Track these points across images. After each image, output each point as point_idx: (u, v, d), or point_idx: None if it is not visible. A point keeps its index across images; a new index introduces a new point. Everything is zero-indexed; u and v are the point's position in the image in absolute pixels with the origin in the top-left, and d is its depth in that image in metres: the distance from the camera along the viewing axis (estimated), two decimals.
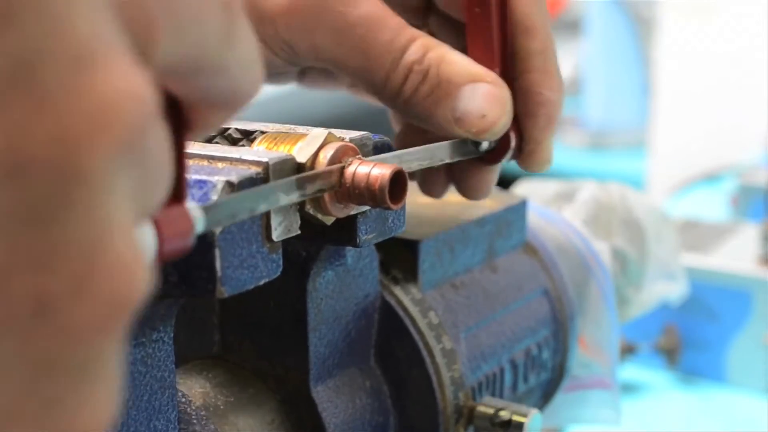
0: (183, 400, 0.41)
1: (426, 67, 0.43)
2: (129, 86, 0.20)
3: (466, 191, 0.48)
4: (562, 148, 2.42)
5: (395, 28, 0.43)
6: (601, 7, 2.33)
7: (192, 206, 0.27)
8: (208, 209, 0.28)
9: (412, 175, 0.48)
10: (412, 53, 0.43)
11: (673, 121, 1.96)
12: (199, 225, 0.27)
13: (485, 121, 0.43)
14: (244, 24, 0.25)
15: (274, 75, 0.48)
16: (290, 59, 0.45)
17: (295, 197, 0.35)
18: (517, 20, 0.45)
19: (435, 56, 0.43)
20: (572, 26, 2.76)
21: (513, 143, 0.46)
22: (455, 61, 0.44)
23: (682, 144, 1.91)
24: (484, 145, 0.45)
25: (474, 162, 0.46)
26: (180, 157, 0.26)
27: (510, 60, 0.45)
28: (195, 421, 0.40)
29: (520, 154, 0.47)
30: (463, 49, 0.45)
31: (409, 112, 0.45)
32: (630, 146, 2.33)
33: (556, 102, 0.46)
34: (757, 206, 1.14)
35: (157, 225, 0.25)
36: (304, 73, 0.50)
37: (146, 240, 0.24)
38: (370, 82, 0.44)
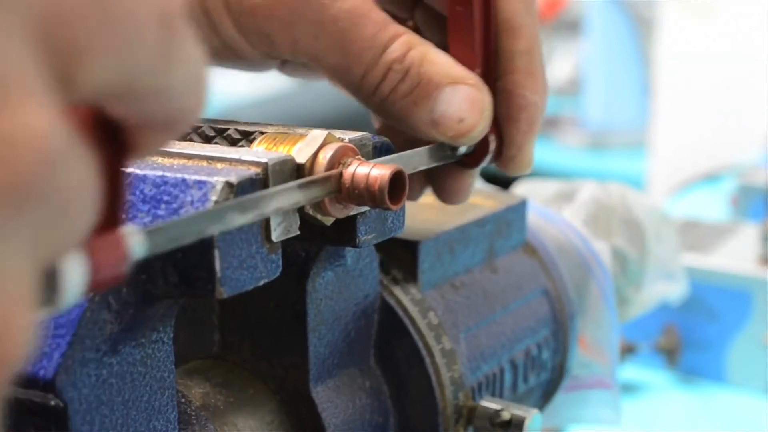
0: (183, 400, 0.41)
1: (407, 66, 0.42)
2: (31, 128, 0.19)
3: (443, 195, 0.47)
4: (562, 148, 2.42)
5: (378, 23, 0.42)
6: (601, 7, 2.33)
7: (132, 231, 0.26)
8: (150, 233, 0.27)
9: None
10: (394, 50, 0.42)
11: (673, 121, 1.96)
12: (138, 250, 0.26)
13: (463, 126, 0.42)
14: (186, 39, 0.24)
15: (252, 64, 0.47)
16: (269, 53, 0.44)
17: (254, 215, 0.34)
18: (503, 19, 0.44)
19: (417, 55, 0.42)
20: (572, 26, 2.75)
21: (492, 147, 0.45)
22: (437, 61, 0.42)
23: (682, 144, 1.91)
24: (462, 149, 0.44)
25: (452, 166, 0.45)
26: (117, 181, 0.25)
27: (493, 60, 0.44)
28: (195, 421, 0.40)
29: (500, 158, 0.45)
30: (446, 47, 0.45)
31: (385, 111, 0.43)
32: (630, 146, 2.33)
33: (539, 105, 0.45)
34: (757, 206, 1.14)
35: (90, 253, 0.24)
36: (284, 63, 0.49)
37: (70, 273, 0.23)
38: (347, 79, 0.43)
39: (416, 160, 0.43)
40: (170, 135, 0.26)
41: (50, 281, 0.23)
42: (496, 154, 0.45)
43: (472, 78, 0.43)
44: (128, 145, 0.25)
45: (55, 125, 0.20)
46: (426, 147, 0.43)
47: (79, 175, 0.21)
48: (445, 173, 0.46)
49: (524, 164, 0.46)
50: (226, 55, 0.45)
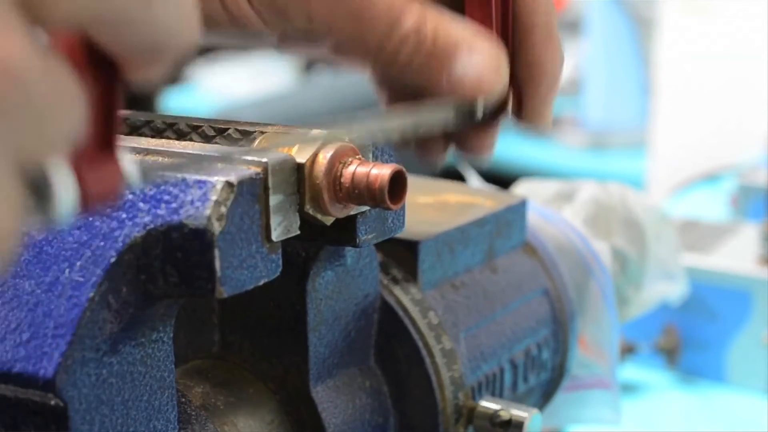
0: (183, 400, 0.41)
1: (423, 37, 0.43)
2: None
3: (467, 153, 0.48)
4: (562, 148, 2.42)
5: None
6: (601, 7, 2.32)
7: (128, 159, 0.27)
8: (145, 161, 0.28)
9: (408, 142, 0.47)
10: (409, 21, 0.43)
11: (673, 121, 1.96)
12: (132, 172, 0.27)
13: (480, 86, 0.43)
14: None
15: (252, 38, 0.47)
16: (283, 27, 0.45)
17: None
18: None
19: (432, 26, 0.43)
20: (572, 26, 2.75)
21: (510, 105, 0.46)
22: (451, 30, 0.43)
23: (682, 144, 1.91)
24: (480, 113, 0.45)
25: (472, 125, 0.46)
26: (111, 104, 0.26)
27: (510, 32, 0.45)
28: (195, 421, 0.40)
29: (519, 118, 0.47)
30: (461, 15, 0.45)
31: (401, 78, 0.44)
32: (630, 146, 2.33)
33: (557, 73, 0.46)
34: (757, 206, 1.14)
35: (82, 167, 0.25)
36: (284, 37, 0.49)
37: (60, 182, 0.24)
38: (362, 50, 0.43)
39: (436, 118, 0.43)
40: (160, 63, 0.26)
41: (41, 191, 0.24)
42: (515, 111, 0.46)
43: (486, 40, 0.43)
44: (119, 70, 0.26)
45: (21, 45, 0.22)
46: (446, 107, 0.44)
47: (54, 87, 0.23)
48: (467, 133, 0.47)
49: (544, 125, 0.47)
50: (230, 28, 0.45)
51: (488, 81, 0.43)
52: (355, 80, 2.03)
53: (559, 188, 0.68)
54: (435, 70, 0.43)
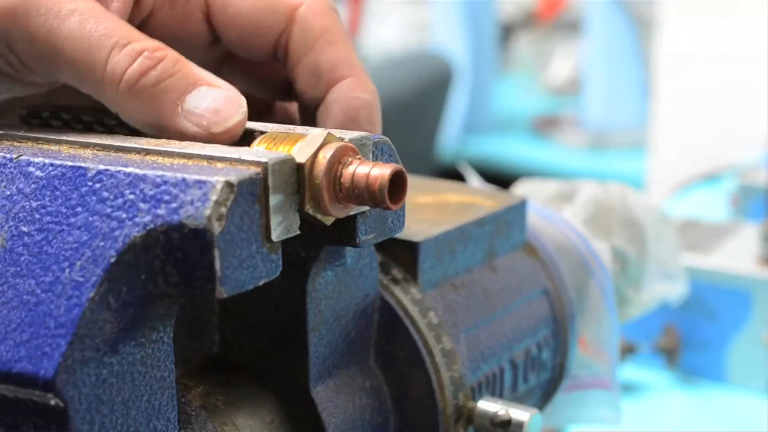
0: (183, 400, 0.41)
1: (160, 56, 0.39)
2: None
3: None
4: (562, 148, 2.42)
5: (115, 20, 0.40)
6: (601, 7, 2.33)
7: None
8: None
9: None
10: (145, 42, 0.39)
11: (673, 121, 1.96)
12: None
13: (218, 116, 0.39)
14: None
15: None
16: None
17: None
18: (316, 34, 0.44)
19: (172, 53, 0.40)
20: (572, 26, 2.76)
21: None
22: (193, 66, 0.40)
23: (682, 144, 1.91)
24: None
25: None
26: None
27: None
28: (195, 421, 0.40)
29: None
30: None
31: (129, 104, 0.39)
32: (630, 146, 2.33)
33: (374, 102, 0.45)
34: (757, 206, 1.14)
35: None
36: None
37: None
38: (89, 69, 0.39)
39: None
40: None
41: None
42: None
43: (228, 86, 0.40)
44: None
45: None
46: None
47: None
48: None
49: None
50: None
51: (226, 113, 0.39)
52: None
53: (559, 188, 0.68)
54: (169, 91, 0.39)
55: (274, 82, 0.48)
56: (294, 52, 0.45)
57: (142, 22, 0.44)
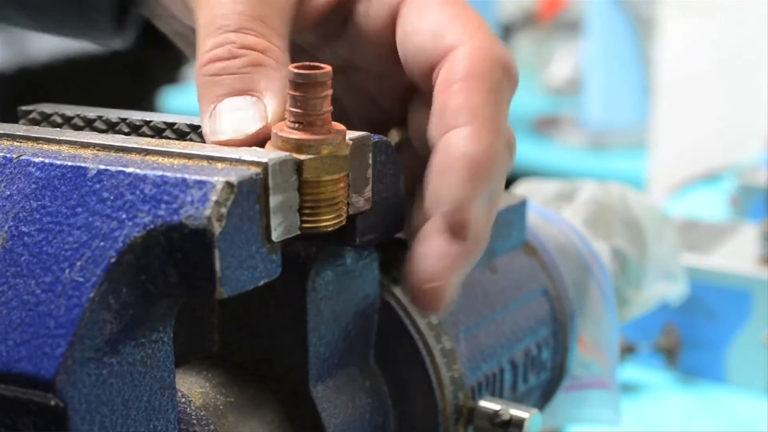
0: (183, 400, 0.41)
1: (242, 53, 0.40)
2: None
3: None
4: (562, 148, 2.42)
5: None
6: (601, 7, 2.32)
7: None
8: None
9: None
10: (243, 36, 0.41)
11: (673, 121, 1.96)
12: None
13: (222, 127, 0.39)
14: None
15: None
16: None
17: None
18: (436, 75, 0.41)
19: (256, 55, 0.40)
20: (572, 26, 2.75)
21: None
22: (269, 73, 0.41)
23: (682, 144, 1.91)
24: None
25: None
26: None
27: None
28: (195, 421, 0.40)
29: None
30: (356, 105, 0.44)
31: (196, 79, 0.41)
32: (630, 146, 2.33)
33: (483, 157, 0.39)
34: (757, 206, 1.14)
35: None
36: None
37: None
38: (200, 38, 0.41)
39: None
40: None
41: None
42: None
43: (270, 102, 0.40)
44: None
45: None
46: None
47: None
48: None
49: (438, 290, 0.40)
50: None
51: (246, 124, 0.39)
52: None
53: (559, 188, 0.68)
54: (210, 94, 0.40)
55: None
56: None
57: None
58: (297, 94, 0.37)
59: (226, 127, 0.39)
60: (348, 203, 0.39)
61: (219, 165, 0.35)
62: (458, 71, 0.40)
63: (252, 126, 0.39)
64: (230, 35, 0.40)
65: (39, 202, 0.35)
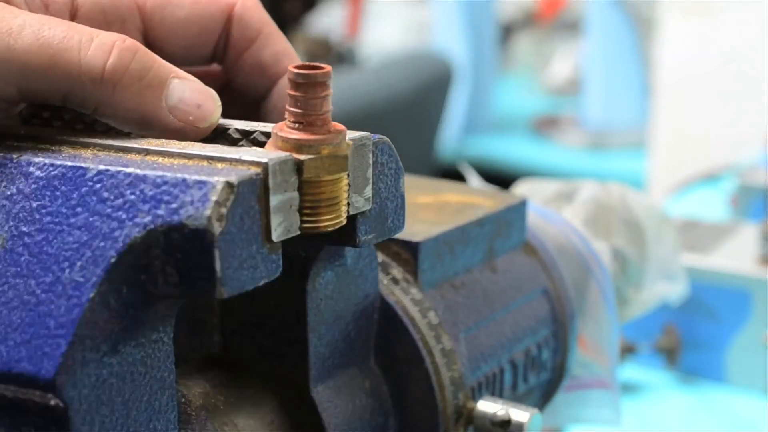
0: (183, 400, 0.41)
1: (133, 46, 0.39)
2: None
3: None
4: (562, 148, 2.42)
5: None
6: (601, 7, 2.33)
7: None
8: None
9: None
10: (112, 36, 0.39)
11: (673, 121, 1.96)
12: None
13: (201, 111, 0.39)
14: None
15: None
16: None
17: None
18: (256, 29, 0.45)
19: (136, 42, 0.39)
20: (572, 26, 2.75)
21: None
22: (157, 56, 0.40)
23: (682, 144, 1.91)
24: None
25: None
26: None
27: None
28: (195, 421, 0.40)
29: None
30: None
31: (115, 103, 0.39)
32: (630, 146, 2.33)
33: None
34: (757, 206, 1.14)
35: None
36: None
37: None
38: (68, 61, 0.38)
39: None
40: None
41: None
42: None
43: (194, 77, 0.40)
44: None
45: None
46: None
47: None
48: None
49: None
50: None
51: (208, 107, 0.40)
52: (354, 81, 2.04)
53: (559, 188, 0.68)
54: (153, 88, 0.39)
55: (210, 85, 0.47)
56: (234, 49, 0.45)
57: None
58: (297, 94, 0.37)
59: (207, 109, 0.40)
60: (348, 203, 0.39)
61: (219, 165, 0.36)
62: (252, 25, 0.45)
63: (213, 92, 0.40)
64: (100, 39, 0.39)
65: (39, 202, 0.35)
